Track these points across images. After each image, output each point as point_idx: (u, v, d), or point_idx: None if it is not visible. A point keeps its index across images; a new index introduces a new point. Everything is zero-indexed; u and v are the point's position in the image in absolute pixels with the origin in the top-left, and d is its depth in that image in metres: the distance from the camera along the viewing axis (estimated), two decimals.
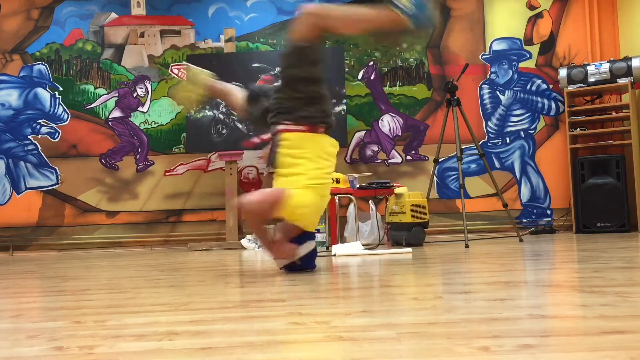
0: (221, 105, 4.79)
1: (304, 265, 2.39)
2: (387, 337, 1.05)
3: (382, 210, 4.54)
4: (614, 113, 4.80)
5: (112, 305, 1.62)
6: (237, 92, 2.65)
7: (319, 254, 3.44)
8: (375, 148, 5.27)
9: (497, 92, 5.27)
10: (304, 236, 2.37)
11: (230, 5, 5.38)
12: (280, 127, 2.37)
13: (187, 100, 2.67)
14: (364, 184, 4.25)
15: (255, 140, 2.49)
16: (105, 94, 5.29)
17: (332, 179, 3.85)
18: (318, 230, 4.26)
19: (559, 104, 5.21)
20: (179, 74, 5.27)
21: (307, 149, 2.36)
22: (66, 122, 5.25)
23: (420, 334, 1.07)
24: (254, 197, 2.27)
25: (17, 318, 1.46)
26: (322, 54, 2.39)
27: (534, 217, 5.17)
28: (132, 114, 5.28)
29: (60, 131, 5.24)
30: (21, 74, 5.28)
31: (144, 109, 5.28)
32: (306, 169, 2.32)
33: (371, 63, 5.32)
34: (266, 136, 2.47)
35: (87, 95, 5.29)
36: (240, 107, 2.62)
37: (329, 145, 2.43)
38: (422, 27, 2.12)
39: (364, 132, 5.27)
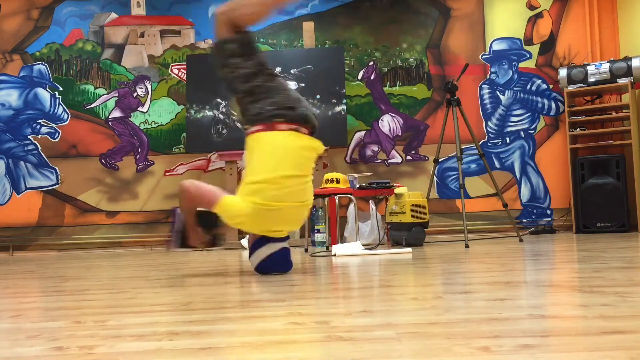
0: (221, 106, 4.79)
1: (275, 269, 2.31)
2: (387, 337, 1.05)
3: (382, 210, 4.54)
4: (614, 113, 4.80)
5: (112, 305, 1.62)
6: None
7: (319, 254, 3.45)
8: (375, 148, 5.27)
9: (497, 92, 5.27)
10: (263, 241, 2.29)
11: None
12: (247, 132, 2.31)
13: None
14: (364, 184, 4.25)
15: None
16: (105, 94, 5.29)
17: (332, 179, 3.87)
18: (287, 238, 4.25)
19: (559, 104, 5.21)
20: (179, 74, 5.27)
21: (254, 152, 2.26)
22: (66, 122, 5.25)
23: (420, 334, 1.07)
24: (194, 188, 2.23)
25: (17, 318, 1.46)
26: (251, 46, 2.28)
27: (534, 217, 5.17)
28: (132, 114, 5.28)
29: (60, 131, 5.24)
30: (21, 74, 5.28)
31: (144, 109, 5.28)
32: (250, 175, 2.24)
33: (371, 63, 5.32)
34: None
35: (87, 95, 5.29)
36: None
37: (293, 141, 2.23)
38: None
39: (364, 132, 5.27)
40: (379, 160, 5.25)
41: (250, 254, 2.34)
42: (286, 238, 2.36)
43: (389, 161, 5.26)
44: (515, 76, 5.27)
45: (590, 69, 4.74)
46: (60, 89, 5.28)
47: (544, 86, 5.25)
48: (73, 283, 2.30)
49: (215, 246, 2.48)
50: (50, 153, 5.22)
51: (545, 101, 5.25)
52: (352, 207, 4.26)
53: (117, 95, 5.30)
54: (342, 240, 4.26)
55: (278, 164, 2.20)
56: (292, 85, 4.80)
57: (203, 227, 2.38)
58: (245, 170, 2.31)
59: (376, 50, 5.33)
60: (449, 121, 4.83)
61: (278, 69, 4.83)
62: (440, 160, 5.00)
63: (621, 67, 4.63)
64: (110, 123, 5.27)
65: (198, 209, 2.30)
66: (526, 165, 5.22)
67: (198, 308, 1.50)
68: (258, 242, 2.30)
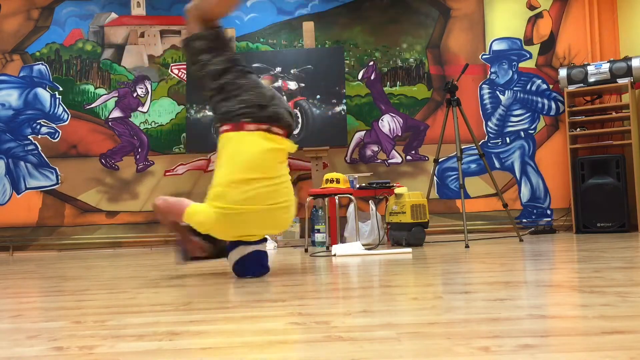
0: None
1: (248, 272, 2.26)
2: (387, 337, 1.05)
3: (382, 210, 4.54)
4: (614, 113, 4.80)
5: (112, 305, 1.62)
6: None
7: (319, 254, 3.45)
8: (375, 148, 5.27)
9: (497, 92, 5.27)
10: (235, 243, 2.24)
11: None
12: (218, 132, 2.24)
13: None
14: (364, 184, 4.25)
15: None
16: (105, 94, 5.29)
17: (332, 179, 3.87)
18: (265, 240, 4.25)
19: (559, 104, 5.21)
20: (179, 74, 5.27)
21: (221, 153, 2.16)
22: (66, 122, 5.25)
23: (420, 334, 1.07)
24: (163, 204, 2.17)
25: (17, 318, 1.46)
26: (221, 42, 2.21)
27: (534, 217, 5.16)
28: (132, 114, 5.27)
29: (60, 131, 5.24)
30: (21, 74, 5.27)
31: (144, 109, 5.28)
32: (215, 178, 2.15)
33: (371, 63, 5.32)
34: None
35: (87, 95, 5.29)
36: None
37: (258, 144, 2.12)
38: None
39: (364, 132, 5.27)
40: (379, 160, 5.25)
41: (228, 256, 2.31)
42: (261, 241, 2.28)
43: (389, 161, 5.25)
44: (515, 76, 5.27)
45: (590, 69, 4.74)
46: (60, 89, 5.28)
47: (544, 86, 5.25)
48: (73, 283, 2.30)
49: (223, 256, 2.38)
50: (50, 153, 5.22)
51: (545, 101, 5.25)
52: (352, 207, 4.26)
53: (117, 95, 5.29)
54: (342, 240, 4.26)
55: (239, 167, 2.10)
56: (292, 85, 4.80)
57: (199, 237, 2.29)
58: (214, 173, 2.20)
59: (376, 50, 5.33)
60: (449, 121, 4.83)
61: (278, 69, 4.83)
62: (440, 160, 5.00)
63: (621, 67, 4.63)
64: (110, 123, 5.27)
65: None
66: (526, 165, 5.22)
67: (198, 308, 1.50)
68: (231, 244, 2.26)
